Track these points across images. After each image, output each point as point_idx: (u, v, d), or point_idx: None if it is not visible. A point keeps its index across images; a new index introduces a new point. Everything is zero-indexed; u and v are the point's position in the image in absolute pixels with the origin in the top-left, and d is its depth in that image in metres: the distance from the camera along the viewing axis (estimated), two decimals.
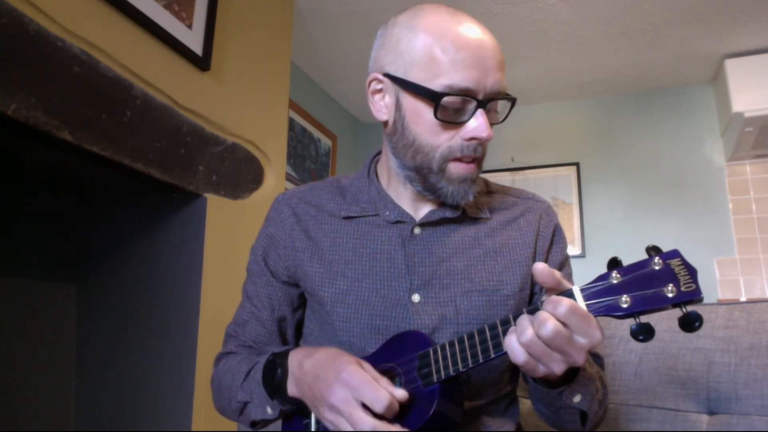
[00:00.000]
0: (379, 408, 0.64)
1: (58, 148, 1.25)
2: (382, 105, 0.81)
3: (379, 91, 0.81)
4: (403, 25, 0.78)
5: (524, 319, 0.61)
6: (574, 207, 3.30)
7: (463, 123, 0.75)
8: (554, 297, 0.60)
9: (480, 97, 0.74)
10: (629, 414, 1.06)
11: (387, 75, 0.79)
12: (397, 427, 0.64)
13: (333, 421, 0.67)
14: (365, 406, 0.65)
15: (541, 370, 0.62)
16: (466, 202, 0.80)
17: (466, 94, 0.73)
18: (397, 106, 0.78)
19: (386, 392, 0.65)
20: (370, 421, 0.64)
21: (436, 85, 0.73)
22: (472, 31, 0.75)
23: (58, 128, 1.18)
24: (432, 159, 0.77)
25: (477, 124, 0.74)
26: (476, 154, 0.77)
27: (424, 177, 0.79)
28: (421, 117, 0.76)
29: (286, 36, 2.16)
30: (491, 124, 0.76)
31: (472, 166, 0.78)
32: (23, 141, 1.25)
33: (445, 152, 0.76)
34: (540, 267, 0.62)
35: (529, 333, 0.59)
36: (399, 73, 0.77)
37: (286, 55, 2.15)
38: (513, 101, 0.79)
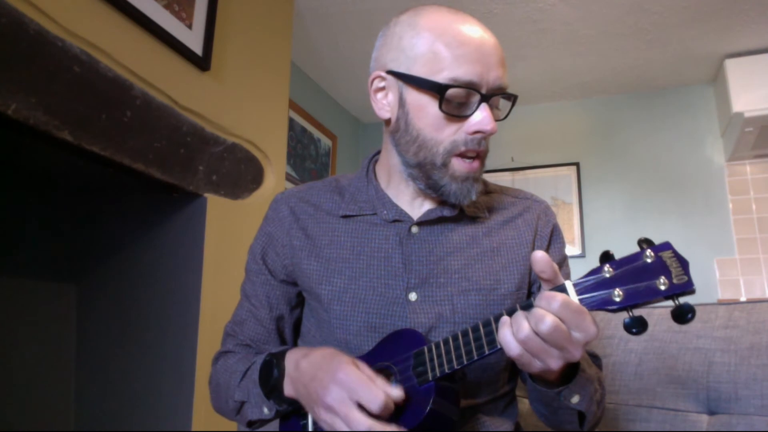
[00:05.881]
0: (374, 407, 0.64)
1: (58, 148, 1.25)
2: (384, 103, 0.82)
3: (382, 89, 0.82)
4: (405, 24, 0.79)
5: (520, 316, 0.61)
6: (574, 207, 3.30)
7: (467, 117, 0.75)
8: (547, 293, 0.60)
9: (483, 91, 0.75)
10: (629, 414, 1.06)
11: (390, 72, 0.79)
12: (393, 427, 0.64)
13: (329, 421, 0.67)
14: (361, 407, 0.65)
15: (536, 365, 0.62)
16: (468, 202, 0.80)
17: (470, 86, 0.74)
18: (401, 102, 0.79)
19: (381, 391, 0.65)
20: (365, 421, 0.63)
21: (440, 78, 0.74)
22: (473, 27, 0.76)
23: (58, 128, 1.18)
24: (436, 154, 0.77)
25: (481, 117, 0.75)
26: (480, 147, 0.77)
27: (427, 174, 0.79)
28: (424, 111, 0.76)
29: (286, 36, 2.16)
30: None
31: (475, 164, 0.78)
32: (23, 141, 1.25)
33: (449, 147, 0.76)
34: (539, 255, 0.61)
35: (525, 329, 0.59)
36: (402, 69, 0.78)
37: (286, 55, 2.15)
38: (514, 99, 0.79)
